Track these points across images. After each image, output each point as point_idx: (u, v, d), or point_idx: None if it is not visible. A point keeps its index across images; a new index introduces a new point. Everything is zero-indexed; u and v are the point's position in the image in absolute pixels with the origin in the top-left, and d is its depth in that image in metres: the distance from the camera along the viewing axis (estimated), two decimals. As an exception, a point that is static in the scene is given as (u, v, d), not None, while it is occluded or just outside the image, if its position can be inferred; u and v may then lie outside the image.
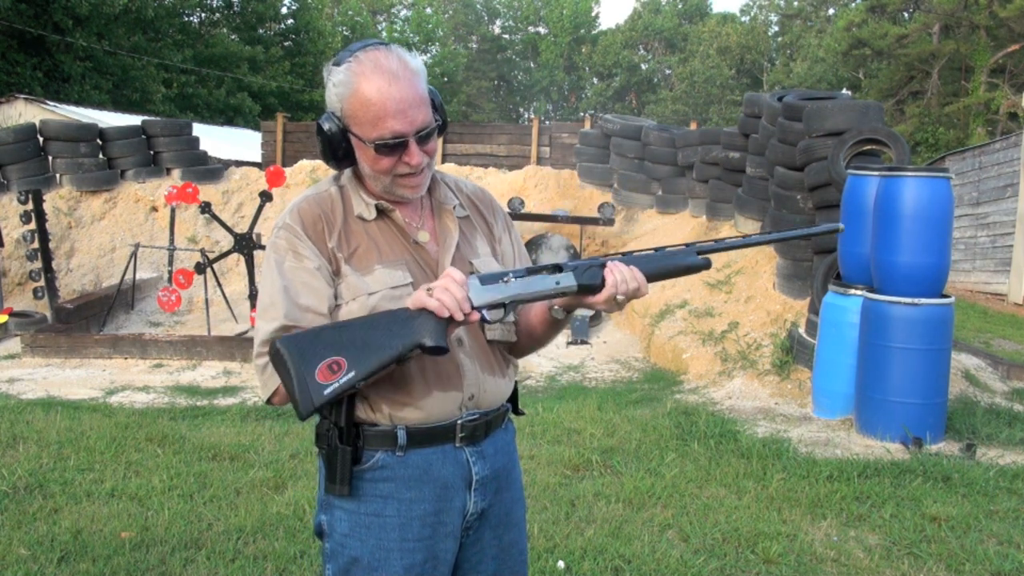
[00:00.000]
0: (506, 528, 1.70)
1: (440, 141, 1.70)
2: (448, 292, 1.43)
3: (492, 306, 1.50)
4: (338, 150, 1.59)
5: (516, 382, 1.77)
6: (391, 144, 1.52)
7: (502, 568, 1.71)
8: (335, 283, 1.57)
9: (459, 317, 1.43)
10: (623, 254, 1.58)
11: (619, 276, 1.53)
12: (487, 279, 1.50)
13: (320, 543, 1.66)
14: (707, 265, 1.60)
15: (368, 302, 1.54)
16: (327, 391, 1.41)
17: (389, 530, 1.57)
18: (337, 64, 1.54)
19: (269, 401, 1.56)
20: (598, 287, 1.53)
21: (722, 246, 1.61)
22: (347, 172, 1.66)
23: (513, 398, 1.76)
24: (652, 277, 1.58)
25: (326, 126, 1.57)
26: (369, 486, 1.57)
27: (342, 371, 1.40)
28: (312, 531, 3.40)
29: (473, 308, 1.46)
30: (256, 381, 1.60)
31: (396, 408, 1.56)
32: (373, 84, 1.50)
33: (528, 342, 1.73)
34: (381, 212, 1.62)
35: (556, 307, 1.61)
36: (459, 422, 1.60)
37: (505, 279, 1.51)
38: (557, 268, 1.54)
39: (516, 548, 1.73)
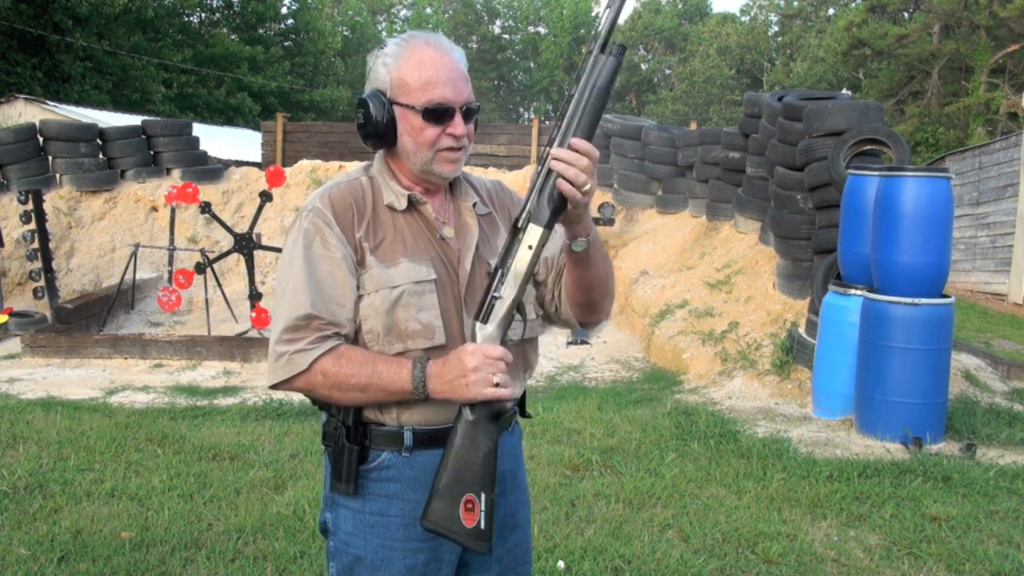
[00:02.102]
0: (511, 530, 1.70)
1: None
2: (507, 385, 1.46)
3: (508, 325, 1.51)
4: (379, 126, 1.56)
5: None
6: (439, 110, 1.52)
7: (507, 570, 1.70)
8: (359, 273, 1.55)
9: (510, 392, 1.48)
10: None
11: (563, 167, 1.42)
12: (484, 316, 1.50)
13: (324, 541, 1.67)
14: (621, 54, 1.42)
15: (391, 295, 1.53)
16: (480, 524, 1.48)
17: (393, 529, 1.57)
18: (385, 45, 1.58)
19: (274, 386, 1.55)
20: (562, 202, 1.44)
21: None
22: (377, 164, 1.64)
23: (521, 401, 1.74)
24: (589, 126, 1.44)
25: (372, 105, 1.54)
26: (374, 485, 1.57)
27: (478, 506, 1.49)
28: (312, 531, 3.43)
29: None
30: (261, 377, 1.60)
31: (404, 410, 1.55)
32: (427, 53, 1.53)
33: (582, 291, 1.63)
34: (411, 204, 1.60)
35: (569, 243, 1.53)
36: None
37: (496, 296, 1.50)
38: (516, 231, 1.48)
39: (520, 549, 1.73)
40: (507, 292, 1.48)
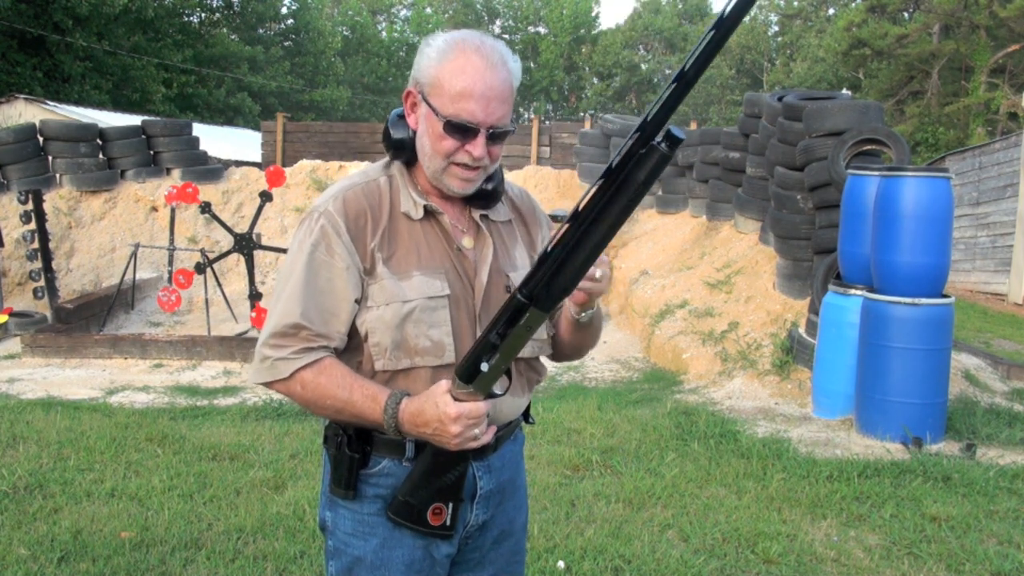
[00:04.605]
0: (507, 535, 1.70)
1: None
2: (476, 440, 1.44)
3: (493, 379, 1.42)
4: (402, 152, 1.55)
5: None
6: (461, 126, 1.44)
7: (500, 571, 1.70)
8: (366, 283, 1.50)
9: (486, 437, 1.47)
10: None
11: (589, 286, 1.47)
12: (467, 377, 1.40)
13: (323, 538, 1.67)
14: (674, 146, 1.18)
15: (402, 310, 1.48)
16: (445, 523, 1.55)
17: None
18: (437, 36, 1.49)
19: (259, 383, 1.55)
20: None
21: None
22: (398, 162, 1.59)
23: (525, 409, 1.72)
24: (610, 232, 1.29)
25: (396, 135, 1.54)
26: (372, 489, 1.57)
27: (446, 512, 1.54)
28: (312, 531, 3.43)
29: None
30: (251, 373, 1.58)
31: None
32: (471, 61, 1.43)
33: (573, 349, 1.69)
34: (428, 213, 1.54)
35: (576, 314, 1.54)
36: None
37: (484, 368, 1.38)
38: (519, 307, 1.33)
39: (513, 550, 1.73)
40: (496, 363, 1.39)
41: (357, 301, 1.51)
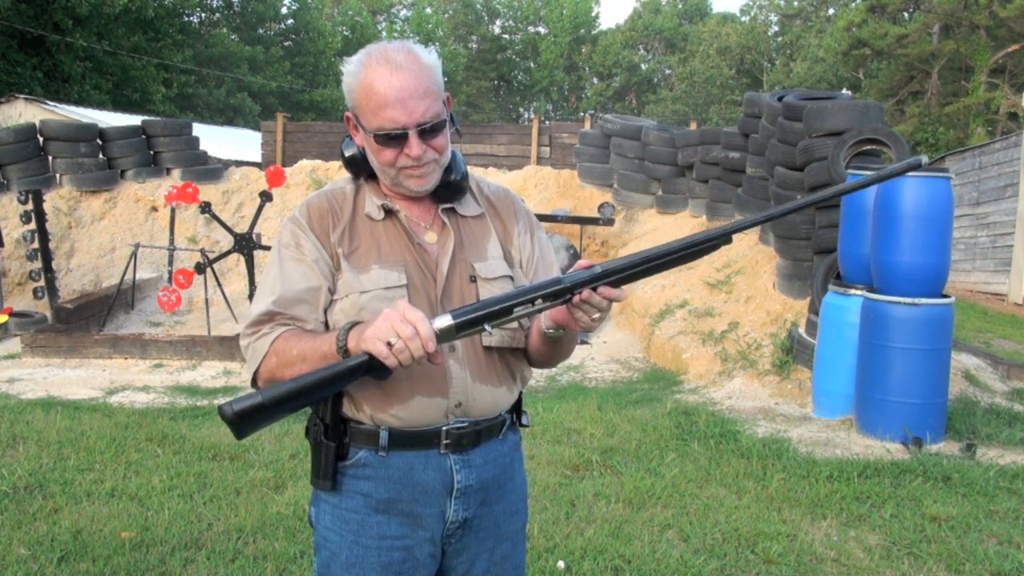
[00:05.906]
0: (497, 540, 1.68)
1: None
2: (400, 354, 1.37)
3: (465, 330, 1.42)
4: (360, 171, 1.65)
5: (521, 392, 1.73)
6: (390, 135, 1.52)
7: None
8: (336, 276, 1.58)
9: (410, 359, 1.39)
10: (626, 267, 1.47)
11: (577, 312, 1.47)
12: (461, 327, 1.42)
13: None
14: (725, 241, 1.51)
15: (359, 300, 1.55)
16: (235, 406, 1.40)
17: (368, 527, 1.58)
18: (349, 60, 1.57)
19: (254, 381, 1.56)
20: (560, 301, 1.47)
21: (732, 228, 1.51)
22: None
23: (516, 410, 1.72)
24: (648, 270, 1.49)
25: (347, 152, 1.64)
26: (351, 482, 1.59)
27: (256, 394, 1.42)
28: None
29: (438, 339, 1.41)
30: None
31: (377, 410, 1.55)
32: (376, 72, 1.50)
33: (541, 358, 1.68)
34: (389, 212, 1.62)
35: (547, 327, 1.55)
36: (444, 429, 1.58)
37: (489, 331, 1.44)
38: (557, 296, 1.45)
39: (510, 562, 1.71)
40: (495, 327, 1.44)
41: (330, 290, 1.57)
